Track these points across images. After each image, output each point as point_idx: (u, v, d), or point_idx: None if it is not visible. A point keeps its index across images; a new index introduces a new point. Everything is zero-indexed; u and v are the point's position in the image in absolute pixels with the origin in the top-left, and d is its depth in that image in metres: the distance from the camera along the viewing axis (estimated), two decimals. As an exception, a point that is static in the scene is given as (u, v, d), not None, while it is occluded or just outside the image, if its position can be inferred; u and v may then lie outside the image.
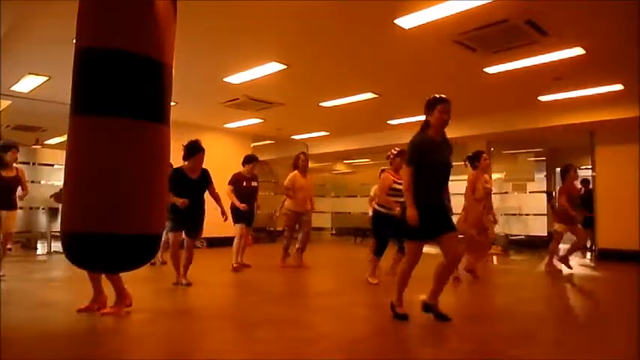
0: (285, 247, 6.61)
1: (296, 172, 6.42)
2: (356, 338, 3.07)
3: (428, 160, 3.32)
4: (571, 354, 2.87)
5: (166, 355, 2.75)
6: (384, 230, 5.13)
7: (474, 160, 5.43)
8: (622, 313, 4.05)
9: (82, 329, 3.20)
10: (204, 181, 4.82)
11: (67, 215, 2.44)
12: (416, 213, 3.24)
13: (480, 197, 5.32)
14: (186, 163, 4.72)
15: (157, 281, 5.49)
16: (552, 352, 2.85)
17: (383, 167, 7.62)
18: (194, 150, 4.67)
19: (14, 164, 5.32)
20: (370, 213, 7.41)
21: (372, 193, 7.38)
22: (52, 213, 8.36)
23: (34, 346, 2.82)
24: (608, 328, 3.59)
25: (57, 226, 5.40)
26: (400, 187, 4.84)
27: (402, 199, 4.85)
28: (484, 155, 5.42)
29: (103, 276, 3.51)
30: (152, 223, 2.54)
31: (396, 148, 5.06)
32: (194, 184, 4.73)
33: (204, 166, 4.82)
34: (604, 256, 8.07)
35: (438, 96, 3.38)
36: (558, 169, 12.10)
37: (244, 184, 6.15)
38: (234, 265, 6.10)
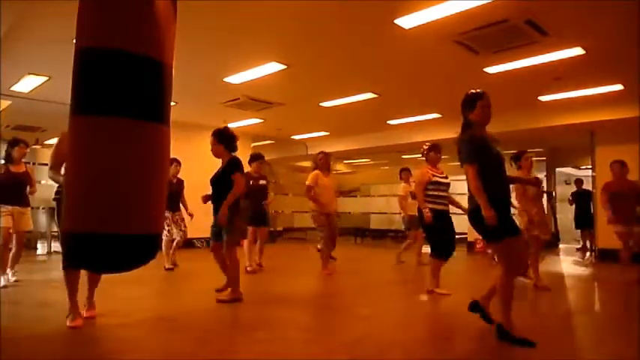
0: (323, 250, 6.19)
1: (318, 171, 6.05)
2: (357, 339, 3.07)
3: (489, 154, 3.05)
4: (571, 353, 2.87)
5: (167, 356, 2.75)
6: (441, 226, 4.59)
7: (517, 159, 5.13)
8: (622, 313, 4.05)
9: (82, 329, 3.20)
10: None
11: (66, 215, 2.44)
12: (493, 211, 2.86)
13: (534, 196, 5.12)
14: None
15: (157, 281, 5.50)
16: (552, 352, 2.84)
17: (403, 167, 7.57)
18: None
19: (23, 160, 5.14)
20: (404, 213, 7.28)
21: (401, 192, 7.23)
22: (52, 213, 8.36)
23: (34, 346, 2.82)
24: (608, 328, 3.59)
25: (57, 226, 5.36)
26: (442, 180, 4.67)
27: (444, 194, 4.67)
28: (526, 154, 5.15)
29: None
30: (152, 223, 2.53)
31: (427, 143, 4.85)
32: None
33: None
34: (604, 256, 8.06)
35: (475, 91, 3.17)
36: (558, 169, 12.19)
37: (251, 182, 6.03)
38: (248, 269, 5.94)
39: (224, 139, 4.47)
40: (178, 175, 6.35)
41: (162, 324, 3.44)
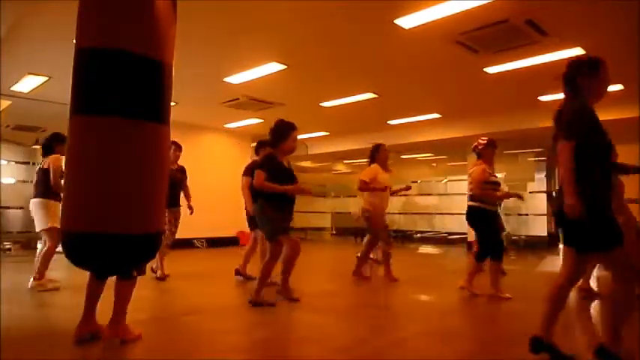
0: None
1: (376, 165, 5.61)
2: (356, 339, 3.07)
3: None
4: (570, 352, 2.86)
5: (166, 356, 2.74)
6: (489, 227, 4.48)
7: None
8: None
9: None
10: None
11: (67, 215, 2.45)
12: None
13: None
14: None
15: (156, 281, 5.49)
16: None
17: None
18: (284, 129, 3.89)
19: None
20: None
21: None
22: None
23: (34, 346, 2.82)
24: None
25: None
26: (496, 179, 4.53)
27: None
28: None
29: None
30: (152, 223, 2.54)
31: (483, 138, 4.59)
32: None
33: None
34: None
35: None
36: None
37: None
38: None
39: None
40: (179, 162, 5.36)
41: (162, 324, 3.44)
